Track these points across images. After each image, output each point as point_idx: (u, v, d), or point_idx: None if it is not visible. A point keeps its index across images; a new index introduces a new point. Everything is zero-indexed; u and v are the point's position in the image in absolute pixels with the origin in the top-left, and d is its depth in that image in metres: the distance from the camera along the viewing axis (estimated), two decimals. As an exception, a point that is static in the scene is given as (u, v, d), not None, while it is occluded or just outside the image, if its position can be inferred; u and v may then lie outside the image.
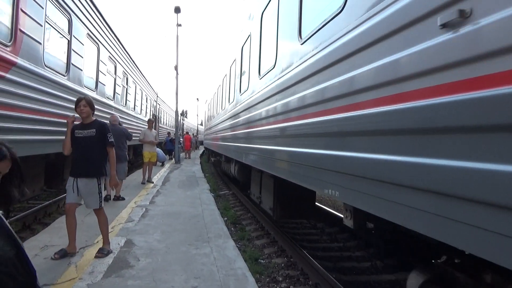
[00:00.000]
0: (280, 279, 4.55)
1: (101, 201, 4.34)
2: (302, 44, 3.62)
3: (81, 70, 7.15)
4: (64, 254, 4.18)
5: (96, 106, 8.07)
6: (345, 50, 2.59)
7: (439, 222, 1.55)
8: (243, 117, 6.87)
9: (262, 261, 5.18)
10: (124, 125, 9.64)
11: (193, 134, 43.81)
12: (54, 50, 5.89)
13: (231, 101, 9.24)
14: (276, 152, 4.48)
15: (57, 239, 4.78)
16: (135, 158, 15.65)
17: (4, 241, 1.32)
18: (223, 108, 11.01)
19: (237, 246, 5.15)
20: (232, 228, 7.02)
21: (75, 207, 4.32)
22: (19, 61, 4.65)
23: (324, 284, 4.17)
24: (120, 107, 11.36)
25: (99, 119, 4.58)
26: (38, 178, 6.35)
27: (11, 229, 1.37)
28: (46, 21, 5.40)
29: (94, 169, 4.25)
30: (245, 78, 7.09)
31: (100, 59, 8.65)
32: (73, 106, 6.39)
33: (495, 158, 1.31)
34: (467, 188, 1.40)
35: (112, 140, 4.41)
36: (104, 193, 4.64)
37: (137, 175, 12.60)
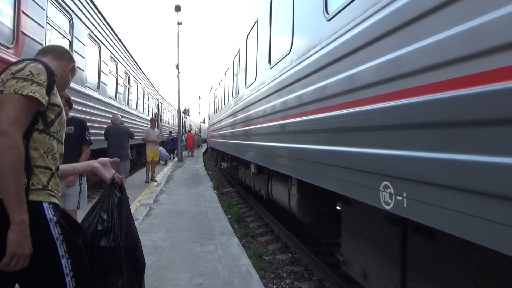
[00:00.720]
0: (285, 275, 4.57)
1: (79, 202, 4.06)
2: (271, 68, 4.74)
3: (83, 70, 7.18)
4: None
5: (98, 106, 8.20)
6: (288, 80, 3.87)
7: (447, 214, 1.54)
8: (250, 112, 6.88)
9: (266, 257, 5.20)
10: (126, 124, 9.68)
11: (195, 132, 43.89)
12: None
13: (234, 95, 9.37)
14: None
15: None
16: (138, 157, 15.71)
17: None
18: (225, 103, 10.93)
19: (241, 243, 5.18)
20: (236, 226, 7.05)
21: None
22: (22, 62, 4.68)
23: (328, 279, 4.19)
24: (123, 107, 11.39)
25: (76, 116, 4.37)
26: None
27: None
28: (48, 23, 5.42)
29: None
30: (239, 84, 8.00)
31: (101, 59, 8.67)
32: (76, 107, 6.47)
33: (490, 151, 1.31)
34: (469, 180, 1.41)
35: (90, 138, 4.23)
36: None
37: (141, 173, 12.66)
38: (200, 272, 3.88)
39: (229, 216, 7.52)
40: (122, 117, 9.19)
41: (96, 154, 8.34)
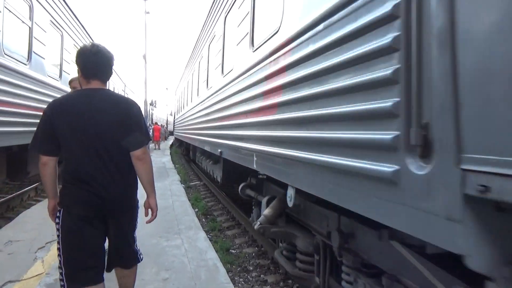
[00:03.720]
0: (251, 268, 4.62)
1: None
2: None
3: (44, 58, 6.87)
4: None
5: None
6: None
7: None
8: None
9: (233, 251, 5.23)
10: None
11: (162, 125, 43.20)
12: (14, 37, 5.62)
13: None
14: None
15: (22, 234, 4.64)
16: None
17: None
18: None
19: (208, 237, 5.18)
20: (203, 219, 7.03)
21: None
22: (-23, 48, 4.42)
23: (293, 272, 4.27)
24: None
25: None
26: (-1, 171, 6.09)
27: None
28: (5, 7, 5.14)
29: None
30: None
31: (64, 47, 8.33)
32: (36, 96, 6.20)
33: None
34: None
35: None
36: None
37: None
38: (166, 267, 3.85)
39: (196, 210, 7.49)
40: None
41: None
